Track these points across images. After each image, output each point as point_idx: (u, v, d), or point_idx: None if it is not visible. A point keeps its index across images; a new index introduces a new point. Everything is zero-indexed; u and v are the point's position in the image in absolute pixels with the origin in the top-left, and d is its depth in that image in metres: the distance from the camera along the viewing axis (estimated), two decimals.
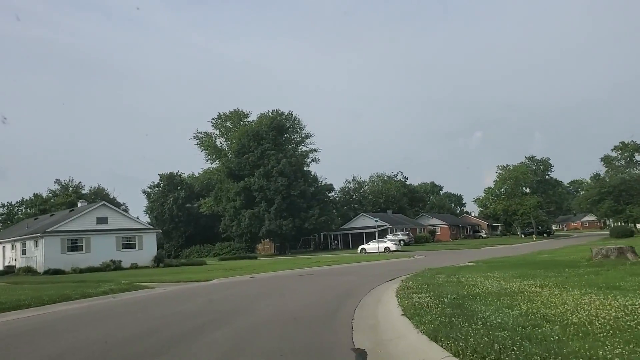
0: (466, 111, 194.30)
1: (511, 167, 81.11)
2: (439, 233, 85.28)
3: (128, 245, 45.78)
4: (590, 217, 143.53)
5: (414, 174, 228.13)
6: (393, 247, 55.62)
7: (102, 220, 45.08)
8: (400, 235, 69.24)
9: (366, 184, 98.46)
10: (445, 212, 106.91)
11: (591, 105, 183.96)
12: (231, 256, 64.57)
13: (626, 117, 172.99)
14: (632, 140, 72.13)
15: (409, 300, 10.81)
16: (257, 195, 69.17)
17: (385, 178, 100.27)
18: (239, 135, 76.15)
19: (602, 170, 77.17)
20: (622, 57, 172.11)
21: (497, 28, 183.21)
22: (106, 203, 49.75)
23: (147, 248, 46.69)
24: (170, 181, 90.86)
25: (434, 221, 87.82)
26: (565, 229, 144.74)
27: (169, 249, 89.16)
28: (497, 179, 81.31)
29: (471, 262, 26.87)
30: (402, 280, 16.56)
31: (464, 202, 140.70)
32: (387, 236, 68.24)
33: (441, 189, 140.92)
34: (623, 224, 58.04)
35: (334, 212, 76.09)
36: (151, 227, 54.50)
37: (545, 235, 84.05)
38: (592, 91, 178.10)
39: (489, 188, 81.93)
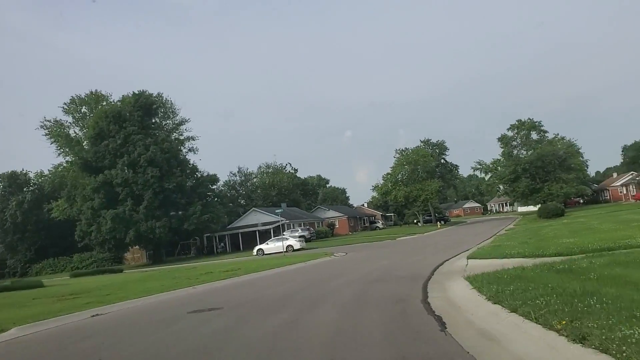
0: (337, 111, 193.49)
1: (410, 151, 75.32)
2: (338, 226, 77.23)
3: None
4: (471, 204, 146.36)
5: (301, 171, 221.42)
6: (297, 245, 45.75)
7: None
8: (300, 231, 59.62)
9: (254, 175, 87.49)
10: (339, 204, 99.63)
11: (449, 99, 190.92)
12: (89, 271, 50.43)
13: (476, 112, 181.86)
14: (529, 118, 69.71)
15: None
16: (120, 191, 55.14)
17: (276, 167, 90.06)
18: (95, 118, 61.13)
19: (499, 151, 74.42)
20: (483, 55, 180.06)
21: (351, 30, 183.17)
22: None
23: None
24: (13, 182, 72.69)
25: (332, 213, 79.54)
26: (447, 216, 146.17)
27: (14, 266, 71.22)
28: (396, 164, 74.98)
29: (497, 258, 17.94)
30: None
31: (347, 195, 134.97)
32: (285, 233, 58.34)
33: (328, 182, 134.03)
34: (541, 204, 53.90)
35: (220, 207, 64.11)
36: None
37: (442, 222, 79.65)
38: (453, 84, 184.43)
39: (387, 174, 75.35)
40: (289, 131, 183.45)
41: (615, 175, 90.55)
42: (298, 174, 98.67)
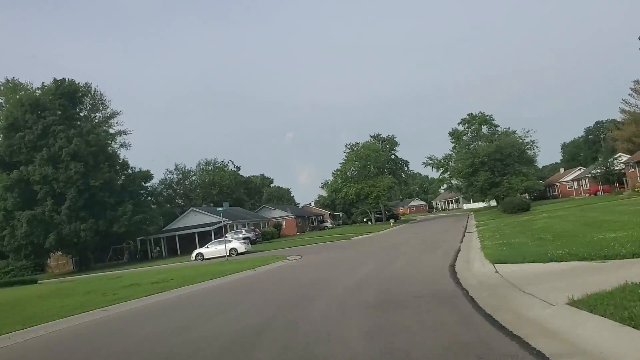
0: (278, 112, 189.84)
1: (361, 145, 71.97)
2: (285, 226, 72.84)
3: None
4: (417, 202, 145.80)
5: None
6: (242, 248, 41.07)
7: None
8: (244, 232, 54.84)
9: (193, 173, 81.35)
10: (285, 203, 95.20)
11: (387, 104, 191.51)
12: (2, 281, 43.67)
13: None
14: (480, 112, 68.15)
15: None
16: (39, 189, 48.36)
17: (217, 164, 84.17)
18: (10, 108, 53.87)
19: (450, 146, 72.53)
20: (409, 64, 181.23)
21: (294, 32, 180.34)
22: None
23: None
24: None
25: (278, 213, 74.99)
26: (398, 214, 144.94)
27: None
28: (346, 159, 71.46)
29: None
30: None
31: (292, 195, 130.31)
32: (228, 234, 53.42)
33: (272, 181, 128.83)
34: (501, 199, 51.72)
35: (155, 207, 58.20)
36: None
37: (394, 220, 77.00)
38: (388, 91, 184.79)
39: (337, 171, 71.64)
40: (230, 132, 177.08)
41: (562, 170, 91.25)
42: (242, 173, 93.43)
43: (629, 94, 72.37)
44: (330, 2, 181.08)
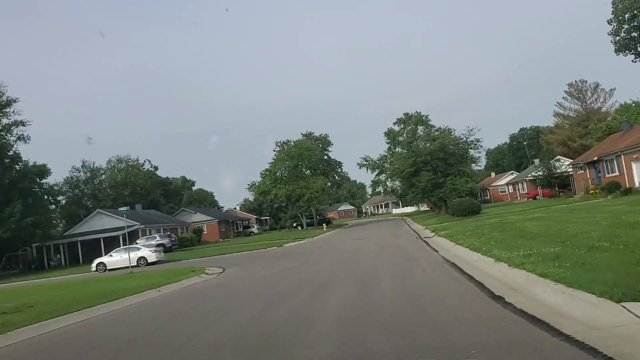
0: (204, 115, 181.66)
1: (292, 143, 66.62)
2: (206, 232, 65.92)
3: None
4: (346, 207, 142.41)
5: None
6: (152, 257, 34.54)
7: None
8: (158, 238, 47.77)
9: (103, 171, 72.18)
10: (208, 207, 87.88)
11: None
12: None
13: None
14: (416, 112, 65.02)
15: None
16: None
17: (131, 161, 75.51)
18: None
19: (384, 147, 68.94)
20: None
21: (218, 32, 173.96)
22: None
23: None
24: None
25: (199, 217, 67.86)
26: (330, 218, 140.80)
27: None
28: (276, 159, 65.78)
29: None
30: None
31: (216, 199, 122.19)
32: (140, 240, 46.44)
33: (193, 183, 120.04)
34: (443, 202, 48.18)
35: (53, 209, 49.60)
36: None
37: (326, 225, 72.38)
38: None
39: (266, 171, 65.76)
40: (151, 133, 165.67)
41: (493, 175, 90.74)
42: (160, 174, 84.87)
43: (563, 97, 72.49)
44: (260, 4, 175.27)
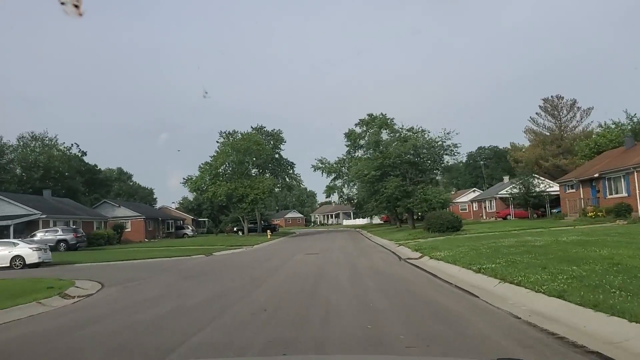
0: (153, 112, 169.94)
1: (240, 135, 58.16)
2: (129, 229, 56.33)
3: None
4: (294, 214, 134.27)
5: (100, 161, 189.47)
6: (33, 257, 25.64)
7: None
8: (60, 232, 38.56)
9: (12, 148, 60.71)
10: (139, 201, 77.73)
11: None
12: None
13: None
14: (381, 113, 58.36)
15: None
16: None
17: (48, 141, 64.28)
18: None
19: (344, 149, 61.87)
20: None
21: (170, 32, 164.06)
22: None
23: None
24: None
25: (123, 212, 58.05)
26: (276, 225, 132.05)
27: None
28: (219, 152, 57.08)
29: None
30: None
31: (155, 197, 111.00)
32: (39, 232, 37.53)
33: (130, 177, 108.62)
34: (412, 214, 41.18)
35: None
36: None
37: (271, 232, 64.34)
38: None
39: (206, 164, 56.88)
40: (101, 124, 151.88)
41: (454, 191, 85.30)
42: (90, 160, 73.75)
43: (537, 113, 67.82)
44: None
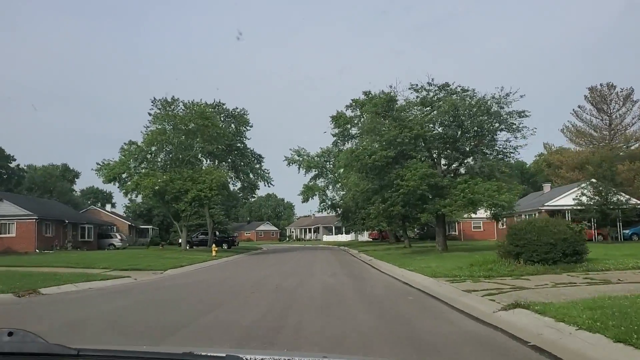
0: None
1: (183, 105, 40.77)
2: (13, 234, 38.50)
3: None
4: (267, 227, 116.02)
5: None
6: None
7: None
8: None
9: None
10: (47, 196, 59.57)
11: None
12: None
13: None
14: (382, 91, 41.76)
15: None
16: None
17: None
18: None
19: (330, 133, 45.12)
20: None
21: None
22: None
23: None
24: None
25: (7, 208, 39.96)
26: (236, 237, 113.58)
27: None
28: (150, 130, 39.82)
29: None
30: None
31: (114, 201, 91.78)
32: None
33: (77, 175, 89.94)
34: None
35: None
36: None
37: (225, 246, 46.97)
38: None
39: (130, 144, 39.13)
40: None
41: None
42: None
43: (580, 106, 52.18)
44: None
